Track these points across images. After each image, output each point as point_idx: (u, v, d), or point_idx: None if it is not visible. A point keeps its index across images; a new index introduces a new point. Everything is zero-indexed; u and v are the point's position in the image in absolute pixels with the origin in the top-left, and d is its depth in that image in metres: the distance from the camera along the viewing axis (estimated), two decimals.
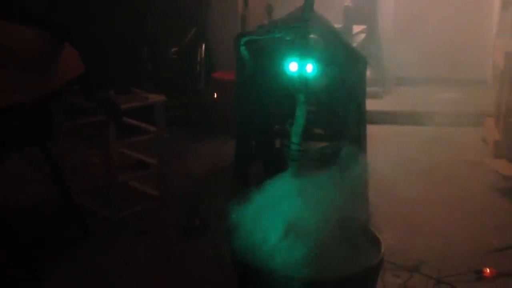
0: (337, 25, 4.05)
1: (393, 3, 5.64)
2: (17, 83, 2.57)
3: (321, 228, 2.03)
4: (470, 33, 5.65)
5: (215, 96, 4.73)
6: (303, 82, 2.02)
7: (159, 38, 4.65)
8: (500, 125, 4.29)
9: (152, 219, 3.34)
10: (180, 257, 2.93)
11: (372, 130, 4.63)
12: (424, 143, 4.55)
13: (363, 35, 4.65)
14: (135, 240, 3.13)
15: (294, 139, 2.11)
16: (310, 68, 2.12)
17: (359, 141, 2.73)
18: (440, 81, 5.66)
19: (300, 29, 2.05)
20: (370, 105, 5.02)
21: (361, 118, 2.81)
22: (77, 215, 3.15)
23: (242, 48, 2.58)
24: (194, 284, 2.73)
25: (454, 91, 5.58)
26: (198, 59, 4.72)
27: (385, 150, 4.29)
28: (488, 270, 2.69)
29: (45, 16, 2.96)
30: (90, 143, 3.60)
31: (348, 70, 2.45)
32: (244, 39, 2.60)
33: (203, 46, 4.71)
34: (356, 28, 4.52)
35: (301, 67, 2.01)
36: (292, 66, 2.21)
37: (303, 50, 2.01)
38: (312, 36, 2.20)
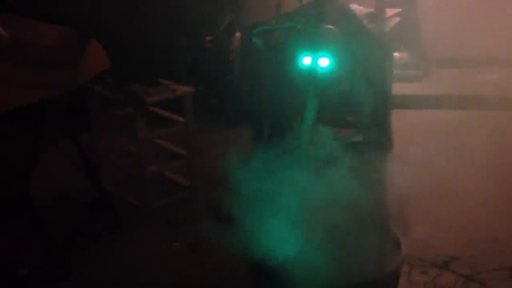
0: (369, 10, 3.93)
1: None
2: (42, 79, 2.63)
3: (337, 229, 1.98)
4: None
5: None
6: (313, 76, 1.96)
7: (194, 28, 4.64)
8: None
9: (183, 209, 3.37)
10: (206, 249, 2.95)
11: (408, 115, 4.52)
12: (464, 129, 4.38)
13: (397, 19, 4.49)
14: (165, 230, 3.17)
15: (304, 137, 2.05)
16: (325, 62, 2.05)
17: (384, 129, 2.64)
18: (482, 61, 5.44)
19: (314, 18, 1.98)
20: (407, 89, 4.92)
21: (386, 107, 2.72)
22: (110, 206, 3.21)
23: (256, 39, 2.52)
24: (217, 277, 2.74)
25: (496, 72, 5.35)
26: (233, 48, 4.69)
27: (421, 137, 4.16)
28: None
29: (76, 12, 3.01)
30: (124, 134, 3.66)
31: (368, 59, 2.36)
32: (256, 29, 2.54)
33: (238, 34, 4.66)
34: (390, 12, 4.35)
35: (314, 60, 1.94)
36: (305, 60, 2.13)
37: (316, 43, 1.94)
38: (327, 26, 2.12)
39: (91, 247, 3.00)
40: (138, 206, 3.37)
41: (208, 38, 4.72)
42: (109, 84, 3.44)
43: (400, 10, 4.58)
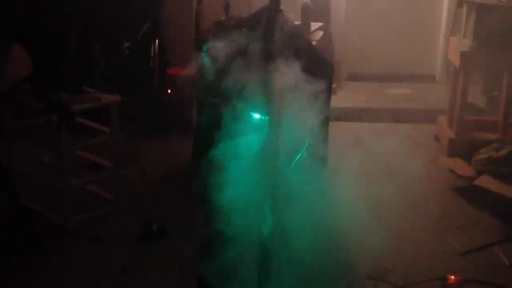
0: (296, 22, 3.99)
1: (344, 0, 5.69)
2: None
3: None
4: (419, 28, 5.74)
5: (169, 92, 4.59)
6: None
7: (111, 34, 4.44)
8: (455, 123, 4.33)
9: (107, 225, 3.20)
10: (137, 266, 2.81)
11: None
12: (379, 141, 4.53)
13: (321, 33, 4.60)
14: (90, 248, 2.99)
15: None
16: None
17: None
18: (389, 76, 5.74)
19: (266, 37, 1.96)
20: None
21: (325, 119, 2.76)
22: (28, 223, 2.97)
23: (204, 56, 2.42)
24: None
25: (403, 87, 5.64)
26: (152, 54, 4.55)
27: (339, 149, 4.26)
28: (452, 277, 2.69)
29: None
30: (42, 145, 3.41)
31: (315, 83, 2.34)
32: (207, 46, 2.44)
33: (157, 41, 4.54)
34: (314, 26, 4.45)
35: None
36: (255, 115, 2.18)
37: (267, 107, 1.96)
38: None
39: (10, 270, 2.76)
40: (59, 221, 3.15)
41: (126, 44, 4.54)
42: (26, 91, 3.19)
43: (322, 24, 4.68)
